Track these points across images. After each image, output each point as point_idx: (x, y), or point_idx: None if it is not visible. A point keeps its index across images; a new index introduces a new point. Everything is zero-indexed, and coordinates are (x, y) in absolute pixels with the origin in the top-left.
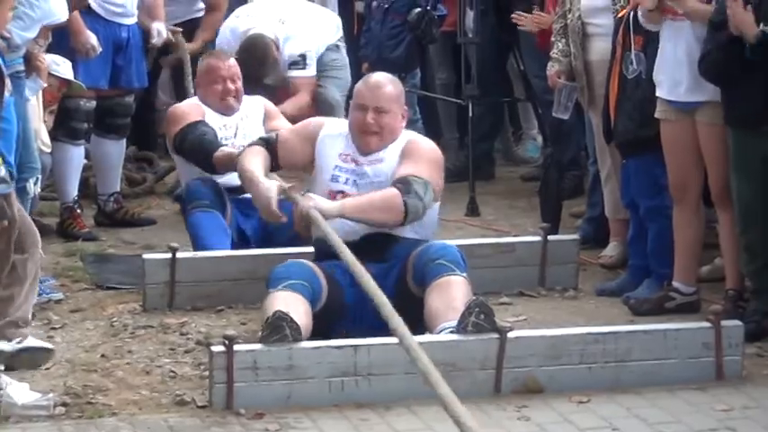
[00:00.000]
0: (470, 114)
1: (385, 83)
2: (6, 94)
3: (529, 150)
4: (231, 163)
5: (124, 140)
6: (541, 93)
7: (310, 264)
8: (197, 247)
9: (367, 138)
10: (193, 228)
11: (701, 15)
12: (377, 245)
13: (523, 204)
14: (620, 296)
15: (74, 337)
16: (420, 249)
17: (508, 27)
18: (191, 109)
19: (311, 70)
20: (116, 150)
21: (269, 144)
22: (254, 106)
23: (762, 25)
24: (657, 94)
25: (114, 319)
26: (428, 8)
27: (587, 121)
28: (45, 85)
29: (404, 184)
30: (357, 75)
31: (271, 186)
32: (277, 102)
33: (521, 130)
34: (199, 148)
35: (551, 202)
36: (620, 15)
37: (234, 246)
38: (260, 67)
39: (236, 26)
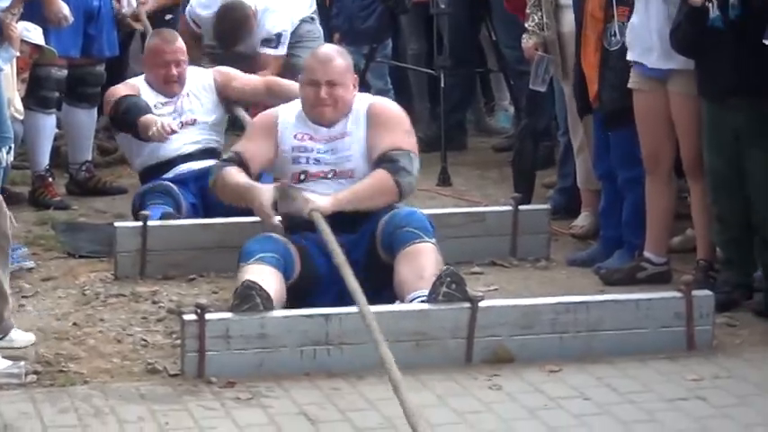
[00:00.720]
0: (442, 85)
1: (334, 56)
2: None
3: (501, 121)
4: (151, 128)
5: (95, 109)
6: (514, 63)
7: (282, 237)
8: None
9: (321, 109)
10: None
11: None
12: (349, 216)
13: (495, 175)
14: (592, 266)
15: (45, 306)
16: (387, 216)
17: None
18: (125, 87)
19: (282, 50)
20: (87, 119)
21: (237, 162)
22: (202, 80)
23: None
24: (628, 57)
25: (86, 287)
26: None
27: (557, 91)
28: (17, 54)
29: (389, 162)
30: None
31: (264, 189)
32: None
33: (492, 100)
34: (129, 112)
35: (525, 173)
36: None
37: None
38: (236, 34)
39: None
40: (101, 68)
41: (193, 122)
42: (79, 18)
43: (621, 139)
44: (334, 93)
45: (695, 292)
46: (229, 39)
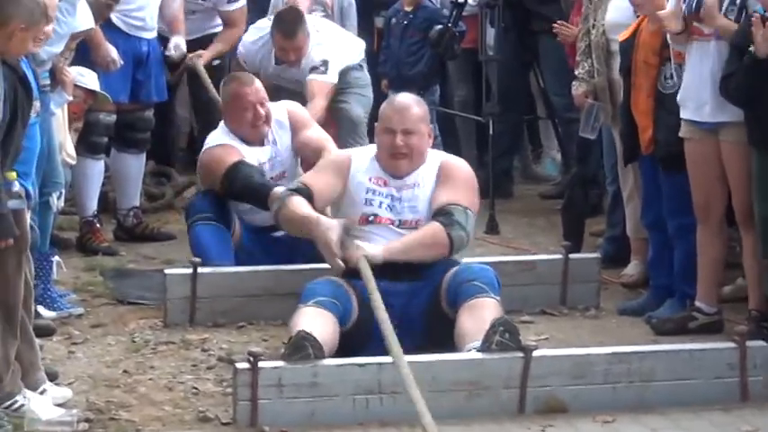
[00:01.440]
0: (491, 132)
1: (411, 104)
2: (33, 114)
3: (548, 168)
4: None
5: (144, 155)
6: (562, 111)
7: (342, 282)
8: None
9: (397, 161)
10: (195, 240)
11: (731, 32)
12: (410, 265)
13: (542, 223)
14: (642, 315)
15: (95, 353)
16: (456, 270)
17: (529, 45)
18: (225, 151)
19: (330, 77)
20: (136, 164)
21: (305, 194)
22: (280, 122)
23: None
24: (682, 115)
25: (136, 334)
26: (449, 24)
27: (606, 139)
28: (70, 98)
29: (444, 215)
30: (376, 92)
31: (332, 225)
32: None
33: (539, 147)
34: (250, 192)
35: (575, 221)
36: (631, 31)
37: (239, 263)
38: (295, 22)
39: (255, 34)
40: (149, 113)
41: (283, 176)
42: (128, 63)
43: (676, 184)
44: (409, 142)
45: (749, 343)
46: (290, 27)
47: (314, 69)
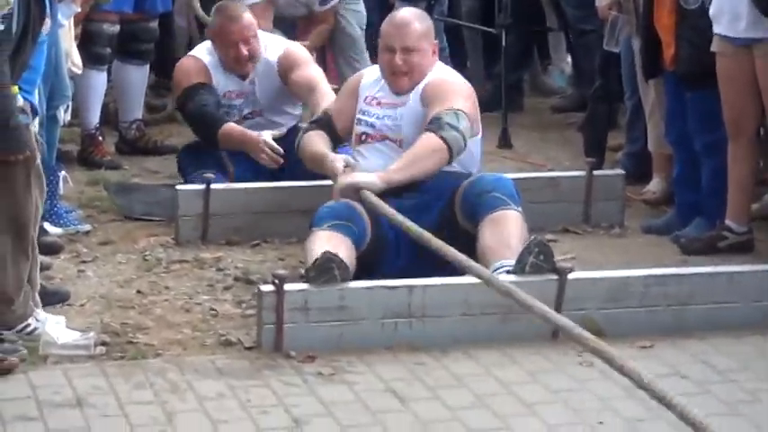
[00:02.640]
0: (504, 44)
1: (411, 20)
2: (44, 31)
3: (557, 80)
4: (235, 142)
5: (147, 66)
6: (575, 22)
7: (356, 204)
8: None
9: (398, 79)
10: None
11: None
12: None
13: (555, 136)
14: (667, 234)
15: (106, 272)
16: (471, 180)
17: None
18: (195, 67)
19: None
20: (139, 76)
21: (324, 122)
22: (268, 62)
23: None
24: (715, 30)
25: (147, 252)
26: None
27: (624, 52)
28: (78, 9)
29: (432, 122)
30: (386, 5)
31: (337, 160)
32: (300, 33)
33: (548, 60)
34: (200, 120)
35: (597, 136)
36: None
37: None
38: None
39: None
40: (154, 24)
41: (260, 114)
42: None
43: (701, 101)
44: (410, 59)
45: None
46: None
47: (323, 2)
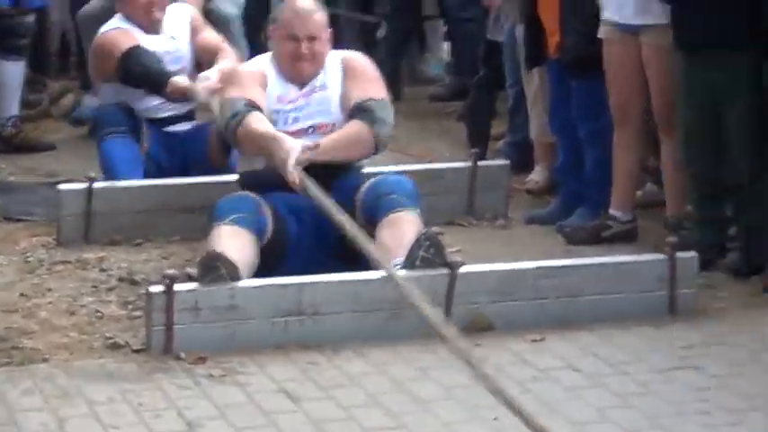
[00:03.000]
0: (382, 33)
1: (314, 9)
2: None
3: (433, 68)
4: (186, 93)
5: (24, 61)
6: (455, 11)
7: (255, 196)
8: (108, 177)
9: (302, 66)
10: (106, 155)
11: None
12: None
13: (435, 126)
14: (551, 224)
15: None
16: (372, 182)
17: None
18: (122, 34)
19: None
20: (16, 71)
21: (257, 107)
22: (181, 19)
23: None
24: (603, 15)
25: (28, 253)
26: None
27: (506, 40)
28: None
29: (366, 111)
30: None
31: (293, 144)
32: None
33: (425, 48)
34: (147, 78)
35: (481, 126)
36: None
37: (148, 175)
38: None
39: None
40: (31, 18)
41: (182, 70)
42: None
43: (585, 89)
44: (313, 48)
45: (679, 254)
46: None
47: None
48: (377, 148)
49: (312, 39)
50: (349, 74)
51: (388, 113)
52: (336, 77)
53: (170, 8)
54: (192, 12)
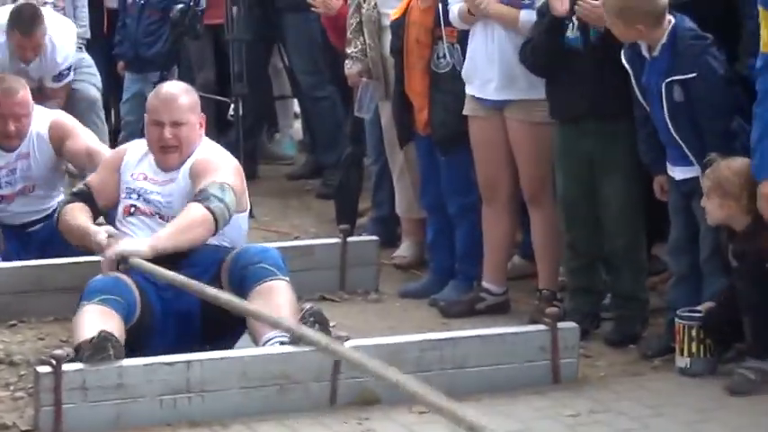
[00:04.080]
0: (240, 113)
1: (178, 94)
2: None
3: (286, 148)
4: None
5: None
6: (309, 89)
7: (124, 277)
8: None
9: (167, 155)
10: None
11: (508, 18)
12: (175, 256)
13: (296, 203)
14: (425, 297)
15: None
16: (236, 253)
17: (274, 22)
18: None
19: (70, 77)
20: None
21: (85, 196)
22: (40, 135)
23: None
24: (467, 91)
25: None
26: (191, 3)
27: (371, 117)
28: None
29: (199, 194)
30: (112, 74)
31: (98, 231)
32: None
33: (274, 127)
34: None
35: (349, 202)
36: (401, 10)
37: None
38: (35, 20)
39: None
40: None
41: (33, 189)
42: None
43: (455, 164)
44: (179, 134)
45: (560, 325)
46: (29, 25)
47: (57, 77)
48: (216, 224)
49: (177, 125)
50: (196, 174)
51: (222, 192)
52: (185, 173)
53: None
54: (54, 120)
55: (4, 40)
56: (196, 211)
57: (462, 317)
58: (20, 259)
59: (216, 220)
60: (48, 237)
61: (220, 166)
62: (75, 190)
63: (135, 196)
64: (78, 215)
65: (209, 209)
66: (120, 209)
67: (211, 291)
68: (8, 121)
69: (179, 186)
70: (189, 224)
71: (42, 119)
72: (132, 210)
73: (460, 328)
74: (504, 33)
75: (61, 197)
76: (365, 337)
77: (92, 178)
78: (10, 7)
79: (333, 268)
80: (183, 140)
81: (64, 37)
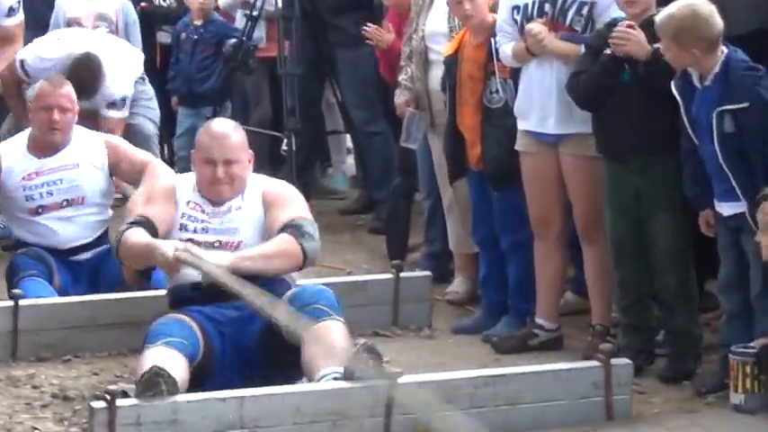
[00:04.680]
0: (293, 148)
1: (229, 132)
2: None
3: (338, 183)
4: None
5: None
6: (362, 124)
7: (186, 318)
8: None
9: (220, 189)
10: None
11: (569, 54)
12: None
13: (348, 239)
14: (478, 333)
15: None
16: (293, 293)
17: (326, 57)
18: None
19: (126, 111)
20: None
21: (144, 224)
22: (92, 151)
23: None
24: (520, 127)
25: None
26: (244, 38)
27: (420, 151)
28: None
29: (294, 227)
30: (167, 109)
31: (166, 242)
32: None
33: (327, 162)
34: None
35: (399, 235)
36: (454, 46)
37: None
38: (91, 84)
39: (49, 50)
40: None
41: (82, 201)
42: None
43: (507, 200)
44: (230, 171)
45: (614, 361)
46: (83, 90)
47: (112, 106)
48: (304, 262)
49: (229, 163)
50: (271, 203)
51: (315, 230)
52: (254, 202)
53: (81, 136)
54: (108, 144)
55: (55, 64)
56: (289, 244)
57: (515, 353)
58: (73, 291)
59: (305, 260)
60: (96, 264)
61: (296, 199)
62: (132, 220)
63: (191, 228)
64: (143, 235)
65: (302, 247)
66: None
67: (250, 289)
68: (53, 111)
69: (248, 215)
70: (277, 253)
71: (92, 135)
72: (191, 244)
73: (513, 365)
74: (561, 67)
75: (108, 218)
76: (418, 373)
77: (145, 211)
78: (67, 40)
79: (386, 304)
80: (235, 177)
81: (119, 68)
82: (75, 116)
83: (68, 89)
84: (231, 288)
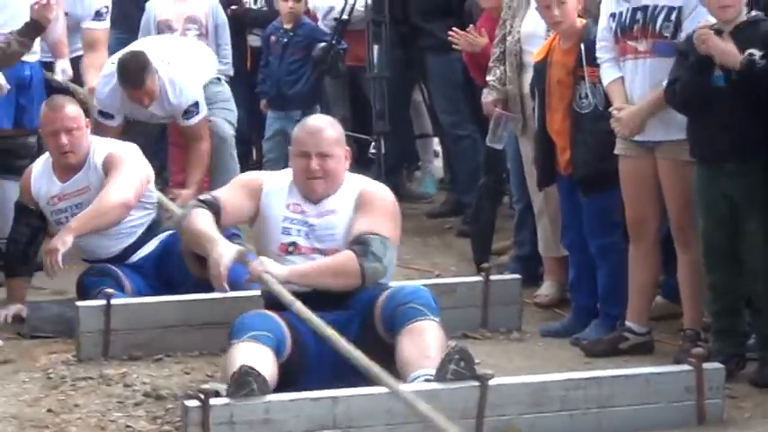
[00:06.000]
0: (383, 152)
1: (324, 126)
2: None
3: (426, 186)
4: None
5: None
6: (450, 128)
7: (272, 314)
8: None
9: (314, 183)
10: None
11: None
12: (331, 294)
13: (436, 242)
14: (566, 337)
15: (12, 391)
16: (389, 293)
17: (416, 61)
18: (24, 187)
19: (204, 110)
20: (15, 192)
21: (213, 207)
22: (95, 164)
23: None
24: (623, 136)
25: (50, 370)
26: (333, 42)
27: (512, 156)
28: None
29: (361, 244)
30: (255, 111)
31: (227, 247)
32: (174, 140)
33: (414, 165)
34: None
35: (484, 234)
36: (545, 51)
37: None
38: (139, 72)
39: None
40: (33, 139)
41: None
42: (11, 88)
43: (596, 205)
44: (325, 165)
45: (706, 365)
46: (135, 78)
47: (188, 114)
48: (363, 281)
49: (323, 156)
50: (362, 206)
51: (384, 251)
52: (349, 204)
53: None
54: (110, 152)
55: (113, 87)
56: (349, 263)
57: (605, 356)
58: (146, 291)
59: (364, 281)
60: (158, 258)
61: (386, 208)
62: (203, 198)
63: (294, 232)
64: (207, 220)
65: (362, 267)
66: (274, 247)
67: (330, 331)
68: (60, 135)
69: (342, 219)
70: (334, 271)
71: (101, 151)
72: (290, 248)
73: (604, 368)
74: (652, 71)
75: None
76: (509, 376)
77: (221, 193)
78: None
79: (475, 306)
80: (329, 171)
81: (186, 75)
82: (85, 130)
83: (69, 108)
84: (289, 305)
